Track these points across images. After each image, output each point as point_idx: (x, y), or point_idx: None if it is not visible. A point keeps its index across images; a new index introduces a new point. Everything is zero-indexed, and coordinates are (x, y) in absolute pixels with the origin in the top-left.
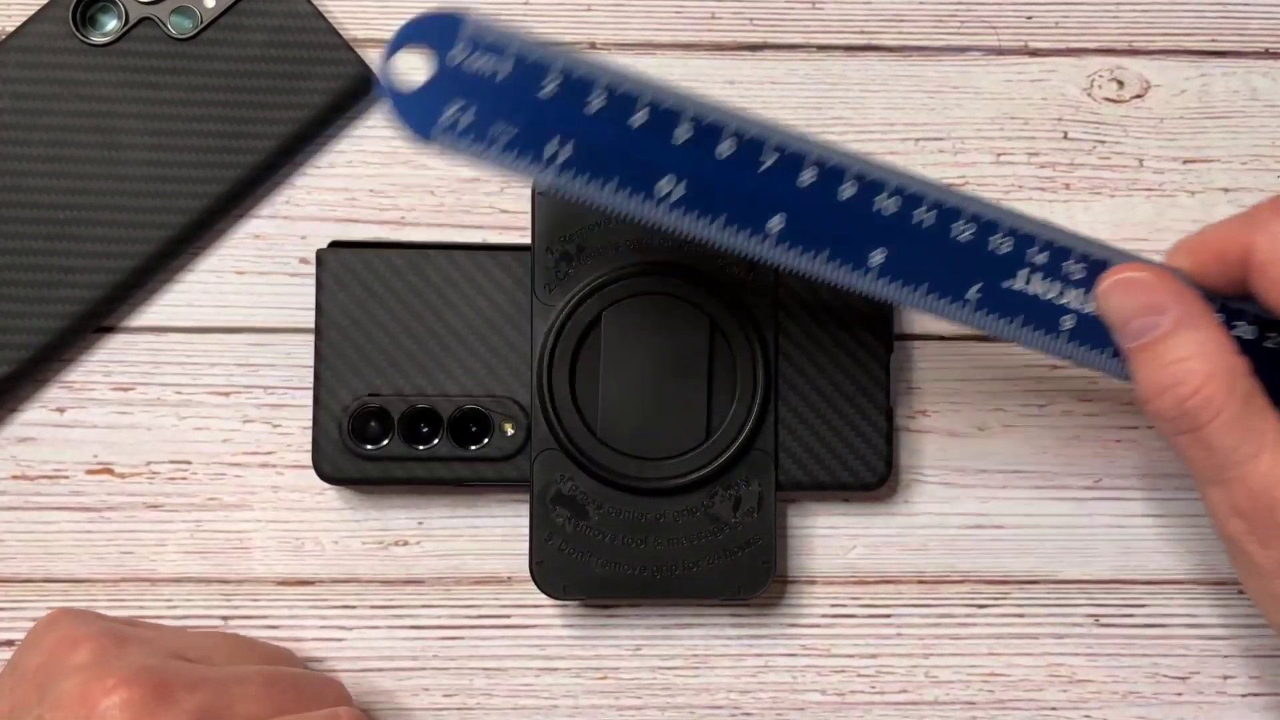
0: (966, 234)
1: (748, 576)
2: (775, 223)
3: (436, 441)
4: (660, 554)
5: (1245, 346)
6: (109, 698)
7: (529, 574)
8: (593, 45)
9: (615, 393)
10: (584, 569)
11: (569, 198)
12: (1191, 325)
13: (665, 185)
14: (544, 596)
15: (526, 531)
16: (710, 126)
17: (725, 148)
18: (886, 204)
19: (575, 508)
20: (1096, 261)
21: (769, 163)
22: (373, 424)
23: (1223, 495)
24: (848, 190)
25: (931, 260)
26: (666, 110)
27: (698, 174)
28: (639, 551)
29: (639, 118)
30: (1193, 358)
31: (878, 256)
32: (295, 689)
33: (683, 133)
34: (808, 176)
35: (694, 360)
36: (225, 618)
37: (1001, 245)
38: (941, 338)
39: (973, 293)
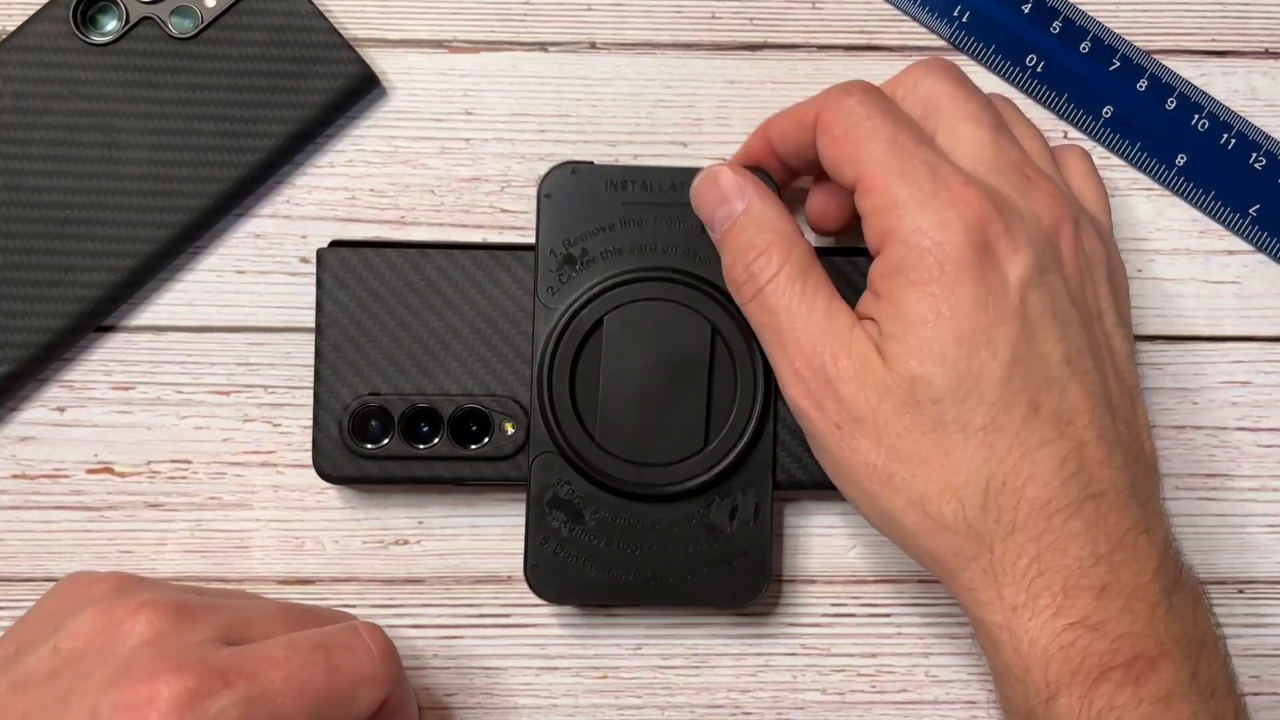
0: (1261, 163)
1: (743, 585)
2: (1107, 111)
3: (437, 441)
4: (655, 560)
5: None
6: (134, 618)
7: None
8: (593, 45)
9: (615, 398)
10: (579, 574)
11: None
12: (760, 206)
13: (1030, 60)
14: None
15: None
16: (1078, 27)
17: (1085, 45)
18: (1201, 122)
19: (571, 512)
20: None
21: (1116, 66)
22: (373, 423)
23: (784, 359)
24: (1172, 103)
25: (1226, 175)
26: (1049, 7)
27: (1058, 58)
28: (634, 557)
29: (1026, 7)
30: (760, 230)
31: (1181, 160)
32: (312, 615)
33: (1056, 25)
34: (1143, 84)
35: (695, 368)
36: None
37: None
38: None
39: (1253, 210)
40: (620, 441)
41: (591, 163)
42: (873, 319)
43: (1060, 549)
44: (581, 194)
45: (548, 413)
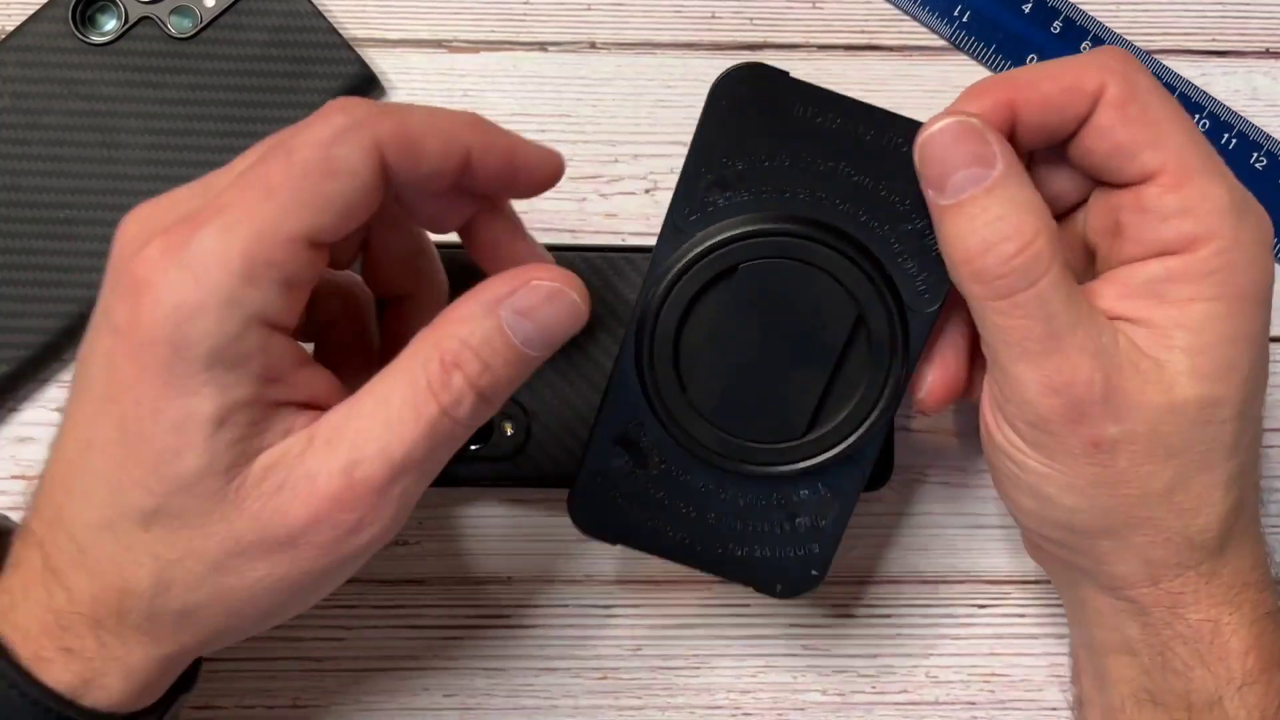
0: (1261, 163)
1: (796, 579)
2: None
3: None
4: (711, 528)
5: None
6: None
7: (565, 506)
8: (592, 45)
9: (723, 355)
10: (626, 516)
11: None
12: (1019, 179)
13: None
14: (544, 596)
15: (528, 530)
16: (1079, 26)
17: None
18: (1201, 122)
19: (638, 455)
20: None
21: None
22: None
23: (1040, 372)
24: None
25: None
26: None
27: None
28: (689, 518)
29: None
30: (1026, 211)
31: None
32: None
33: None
34: None
35: (823, 350)
36: None
37: None
38: None
39: None
40: (713, 402)
41: (787, 73)
42: (1142, 324)
43: (1257, 553)
44: (763, 107)
45: (645, 349)
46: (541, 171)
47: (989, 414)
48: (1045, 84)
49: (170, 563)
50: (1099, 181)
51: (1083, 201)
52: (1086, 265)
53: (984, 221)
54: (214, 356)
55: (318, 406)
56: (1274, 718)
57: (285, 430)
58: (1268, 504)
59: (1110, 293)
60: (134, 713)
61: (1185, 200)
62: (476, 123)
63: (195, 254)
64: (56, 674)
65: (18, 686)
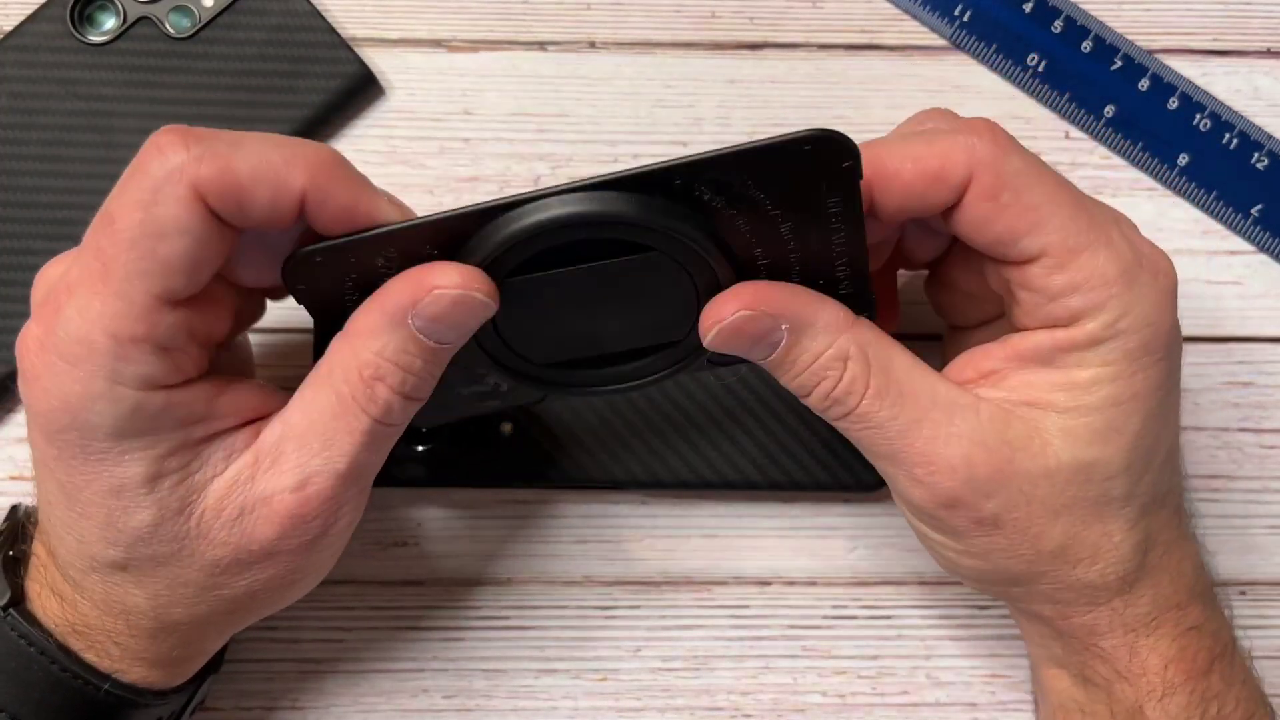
0: (1263, 163)
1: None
2: (1109, 110)
3: (436, 442)
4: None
5: None
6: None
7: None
8: (592, 44)
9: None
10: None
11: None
12: (808, 321)
13: (1032, 60)
14: (543, 597)
15: (526, 531)
16: (1080, 26)
17: (1087, 44)
18: (1202, 121)
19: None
20: None
21: (1117, 65)
22: None
23: (900, 470)
24: (1174, 103)
25: (1228, 175)
26: (1051, 6)
27: (1059, 57)
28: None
29: (1027, 6)
30: (821, 351)
31: (1183, 159)
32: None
33: (1058, 25)
34: (1145, 84)
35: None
36: None
37: None
38: (939, 337)
39: (1255, 210)
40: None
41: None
42: (1023, 388)
43: (1180, 572)
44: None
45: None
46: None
47: (898, 502)
48: (906, 171)
49: (159, 591)
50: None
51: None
52: (990, 311)
53: (795, 373)
54: (121, 430)
55: (256, 418)
56: None
57: (227, 455)
58: (1268, 504)
59: (1000, 354)
60: (166, 690)
61: (1070, 279)
62: (321, 167)
63: (64, 341)
64: (90, 660)
65: (58, 661)
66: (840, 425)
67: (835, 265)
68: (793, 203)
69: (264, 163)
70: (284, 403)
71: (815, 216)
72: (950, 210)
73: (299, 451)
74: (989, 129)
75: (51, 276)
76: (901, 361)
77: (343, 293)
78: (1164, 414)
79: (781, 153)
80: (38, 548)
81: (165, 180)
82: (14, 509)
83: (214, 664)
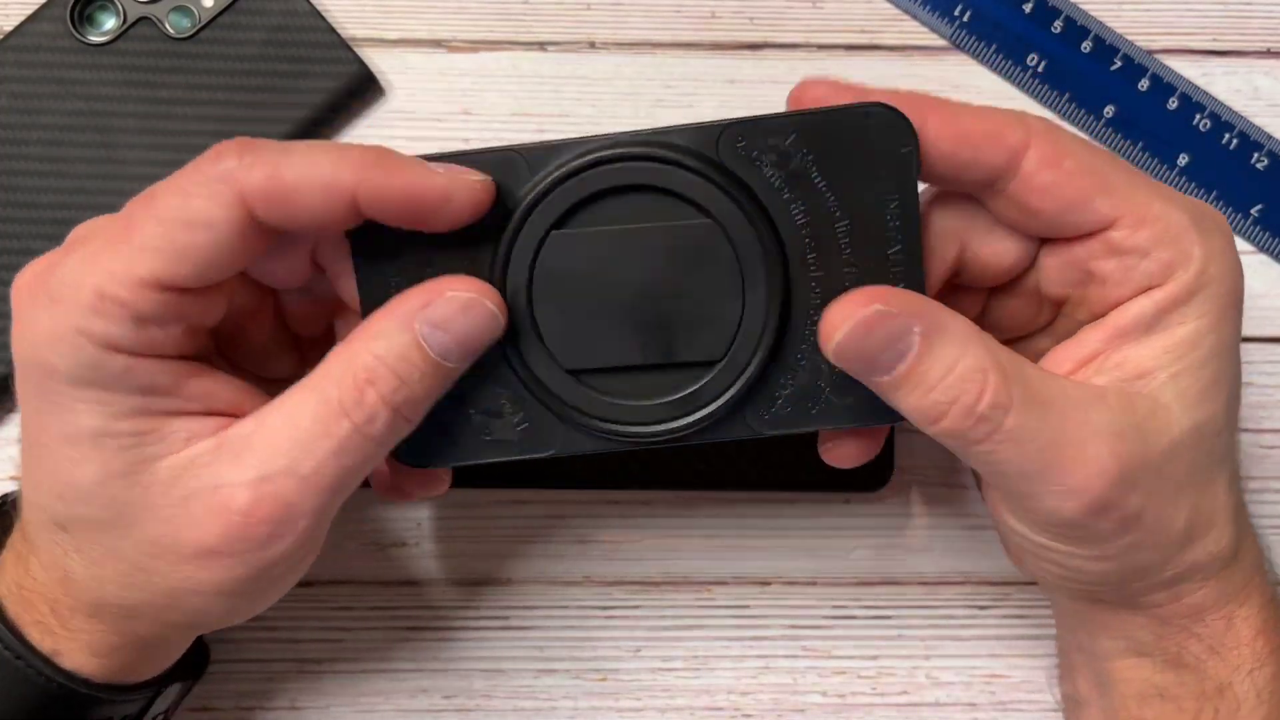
0: (1263, 163)
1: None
2: (1109, 110)
3: None
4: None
5: None
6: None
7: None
8: (592, 44)
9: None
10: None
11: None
12: (944, 324)
13: (1032, 60)
14: (543, 597)
15: (526, 531)
16: (1080, 26)
17: (1087, 44)
18: (1202, 121)
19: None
20: None
21: (1117, 65)
22: None
23: (1046, 484)
24: (1173, 103)
25: (1227, 175)
26: (1051, 7)
27: (1059, 58)
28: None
29: (1027, 6)
30: (963, 357)
31: (1182, 160)
32: None
33: (1058, 25)
34: (1145, 84)
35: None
36: None
37: None
38: None
39: (1255, 210)
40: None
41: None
42: (1130, 362)
43: (1255, 540)
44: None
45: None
46: (458, 202)
47: (1006, 517)
48: (965, 119)
49: (95, 560)
50: (1047, 240)
51: (1024, 264)
52: (1047, 318)
53: (928, 388)
54: (77, 378)
55: (227, 414)
56: None
57: (188, 438)
58: (1268, 504)
59: (1098, 336)
60: (105, 684)
61: (1155, 232)
62: (369, 162)
63: (55, 285)
64: (35, 639)
65: (2, 640)
66: (974, 450)
67: (889, 258)
68: (845, 176)
69: (311, 164)
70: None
71: (867, 194)
72: (1000, 191)
73: (266, 448)
74: (1034, 115)
75: (83, 226)
76: (1029, 366)
77: (388, 282)
78: (1239, 363)
79: (839, 120)
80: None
81: (213, 178)
82: (3, 497)
83: (173, 675)
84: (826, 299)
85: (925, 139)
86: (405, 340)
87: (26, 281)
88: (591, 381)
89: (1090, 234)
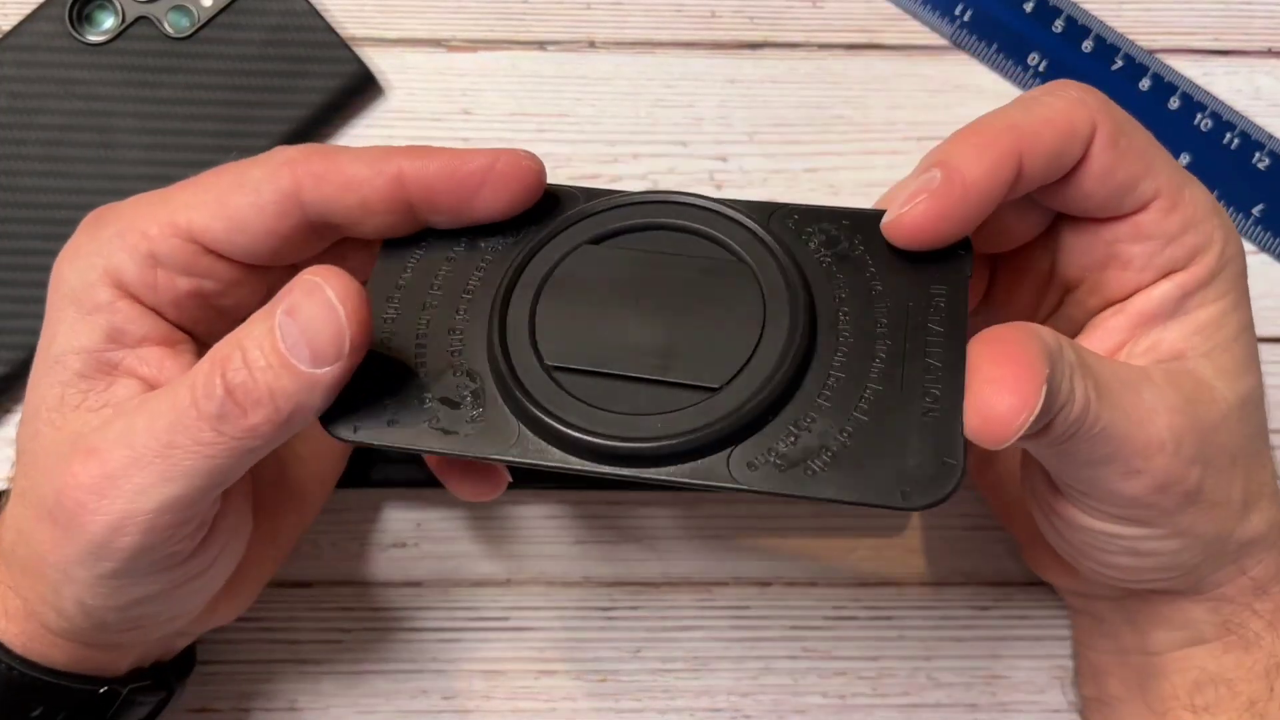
0: (1264, 163)
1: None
2: None
3: None
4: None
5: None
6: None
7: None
8: (592, 44)
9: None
10: None
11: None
12: (1057, 354)
13: (1033, 59)
14: (543, 598)
15: (526, 532)
16: (1081, 25)
17: (1088, 44)
18: (1203, 121)
19: None
20: None
21: (1118, 65)
22: None
23: (1113, 468)
24: (1174, 103)
25: (1229, 175)
26: (1052, 6)
27: (1060, 57)
28: None
29: (1028, 5)
30: (1050, 363)
31: (1184, 160)
32: None
33: (1058, 24)
34: (1146, 83)
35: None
36: None
37: None
38: None
39: (1256, 210)
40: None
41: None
42: (1165, 345)
43: None
44: None
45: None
46: (501, 174)
47: (1071, 513)
48: (1046, 133)
49: (14, 496)
50: (1069, 217)
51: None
52: (1054, 300)
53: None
54: (72, 297)
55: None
56: None
57: (110, 402)
58: None
59: (1122, 322)
60: (32, 661)
61: (1184, 216)
62: (410, 150)
63: (108, 213)
64: None
65: None
66: (1057, 450)
67: (929, 328)
68: (893, 264)
69: (361, 151)
70: None
71: (915, 281)
72: (1067, 173)
73: (127, 415)
74: (1075, 85)
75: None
76: (1087, 352)
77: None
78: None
79: None
80: None
81: (275, 158)
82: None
83: (140, 676)
84: (852, 367)
85: (1022, 170)
86: (263, 326)
87: (96, 209)
88: (568, 381)
89: (1125, 215)
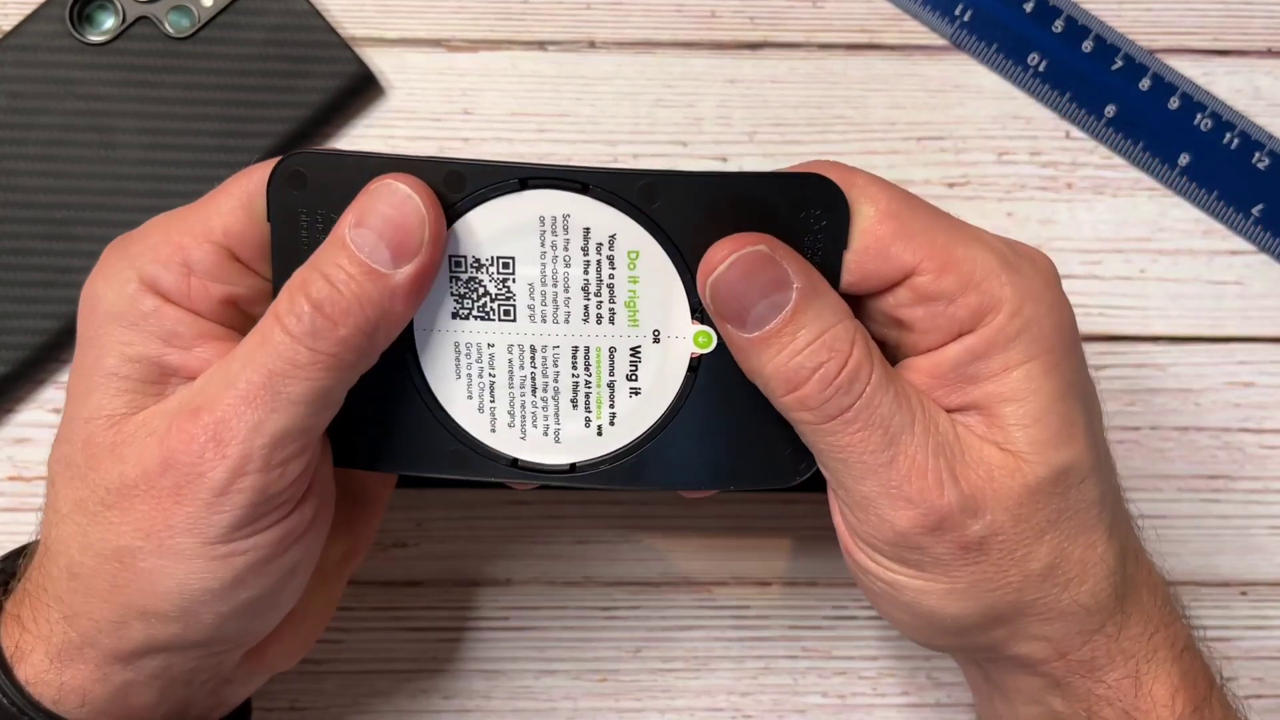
0: (1264, 163)
1: None
2: (1110, 110)
3: None
4: None
5: None
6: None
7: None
8: (592, 44)
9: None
10: None
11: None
12: (818, 289)
13: (1033, 59)
14: (543, 597)
15: (526, 532)
16: (1081, 25)
17: (1088, 44)
18: (1203, 121)
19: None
20: None
21: (1118, 65)
22: None
23: (885, 482)
24: (1175, 103)
25: (1229, 175)
26: (1052, 6)
27: (1060, 57)
28: None
29: (1028, 5)
30: (832, 324)
31: (1184, 159)
32: None
33: (1058, 24)
34: (1146, 83)
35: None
36: None
37: None
38: None
39: (1256, 210)
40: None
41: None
42: (968, 409)
43: (1155, 583)
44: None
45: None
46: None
47: (847, 539)
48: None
49: (63, 516)
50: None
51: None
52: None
53: (796, 349)
54: (113, 314)
55: None
56: None
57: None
58: (1269, 504)
59: (919, 383)
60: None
61: (960, 277)
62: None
63: (138, 232)
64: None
65: None
66: (824, 430)
67: None
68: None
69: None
70: None
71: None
72: None
73: (205, 378)
74: (829, 162)
75: None
76: (888, 365)
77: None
78: (1095, 405)
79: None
80: None
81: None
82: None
83: None
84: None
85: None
86: (336, 246)
87: (118, 237)
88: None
89: (895, 284)
